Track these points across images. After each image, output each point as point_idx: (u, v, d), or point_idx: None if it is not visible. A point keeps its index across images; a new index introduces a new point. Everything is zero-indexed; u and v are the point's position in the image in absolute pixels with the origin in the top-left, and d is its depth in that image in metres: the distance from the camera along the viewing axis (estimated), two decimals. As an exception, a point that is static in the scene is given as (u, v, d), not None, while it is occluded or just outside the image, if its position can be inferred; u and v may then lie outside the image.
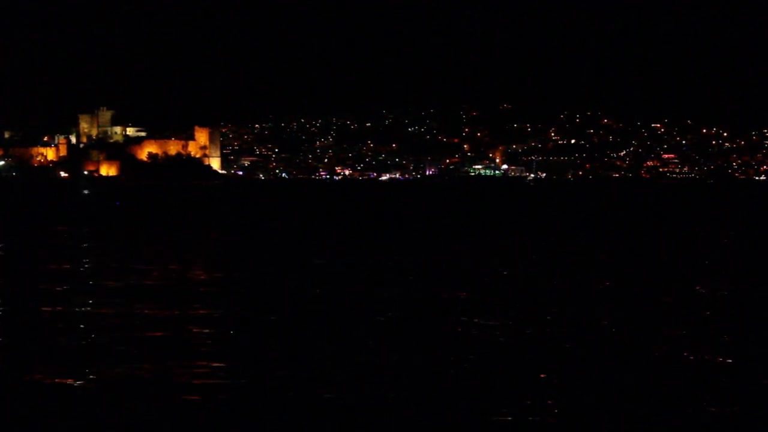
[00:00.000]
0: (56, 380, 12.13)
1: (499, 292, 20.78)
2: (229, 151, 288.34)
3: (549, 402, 11.15)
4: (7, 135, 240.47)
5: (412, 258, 29.45)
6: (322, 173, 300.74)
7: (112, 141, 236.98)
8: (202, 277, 24.00)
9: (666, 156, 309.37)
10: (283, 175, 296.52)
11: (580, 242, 37.51)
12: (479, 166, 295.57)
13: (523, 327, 16.05)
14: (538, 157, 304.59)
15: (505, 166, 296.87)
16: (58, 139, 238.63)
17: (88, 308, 18.18)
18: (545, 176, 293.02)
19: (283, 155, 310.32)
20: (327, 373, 12.55)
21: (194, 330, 15.74)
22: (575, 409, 10.89)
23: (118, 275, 23.82)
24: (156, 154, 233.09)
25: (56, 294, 20.36)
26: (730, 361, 13.43)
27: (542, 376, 12.37)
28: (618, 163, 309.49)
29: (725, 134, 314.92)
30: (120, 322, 16.51)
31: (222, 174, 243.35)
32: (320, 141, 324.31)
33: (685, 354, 13.78)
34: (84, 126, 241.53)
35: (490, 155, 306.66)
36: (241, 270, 26.05)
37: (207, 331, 15.69)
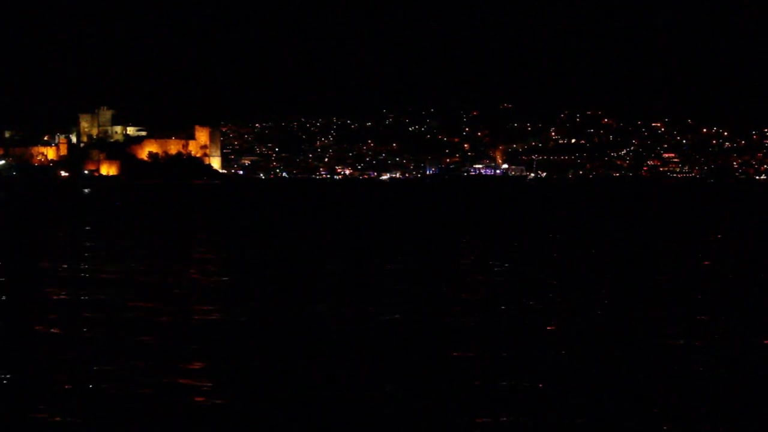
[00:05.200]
0: (52, 386, 12.18)
1: (501, 295, 20.83)
2: (229, 151, 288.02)
3: (553, 407, 11.20)
4: (7, 134, 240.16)
5: (414, 260, 29.48)
6: (323, 171, 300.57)
7: (112, 140, 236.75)
8: (202, 280, 24.03)
9: (666, 155, 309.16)
10: (284, 174, 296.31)
11: (582, 244, 37.54)
12: (479, 166, 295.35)
13: (524, 330, 16.10)
14: (538, 156, 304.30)
15: (505, 166, 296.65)
16: (59, 138, 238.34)
17: (86, 313, 18.23)
18: (546, 175, 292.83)
19: (283, 155, 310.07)
20: (326, 375, 12.60)
21: (194, 334, 15.79)
22: (579, 413, 10.94)
23: (117, 277, 23.87)
24: (156, 154, 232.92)
25: (53, 298, 20.40)
26: (729, 363, 13.49)
27: (545, 382, 12.42)
28: (618, 163, 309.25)
29: (725, 134, 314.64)
30: (118, 325, 16.57)
31: (222, 173, 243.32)
32: (320, 140, 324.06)
33: (684, 355, 13.83)
34: (84, 125, 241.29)
35: (491, 155, 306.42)
36: (240, 273, 26.10)
37: (206, 334, 15.75)
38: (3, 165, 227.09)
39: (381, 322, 16.63)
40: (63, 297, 19.96)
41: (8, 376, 12.50)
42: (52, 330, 15.82)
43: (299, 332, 15.65)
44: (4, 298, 20.28)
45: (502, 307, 18.43)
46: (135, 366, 12.93)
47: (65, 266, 26.38)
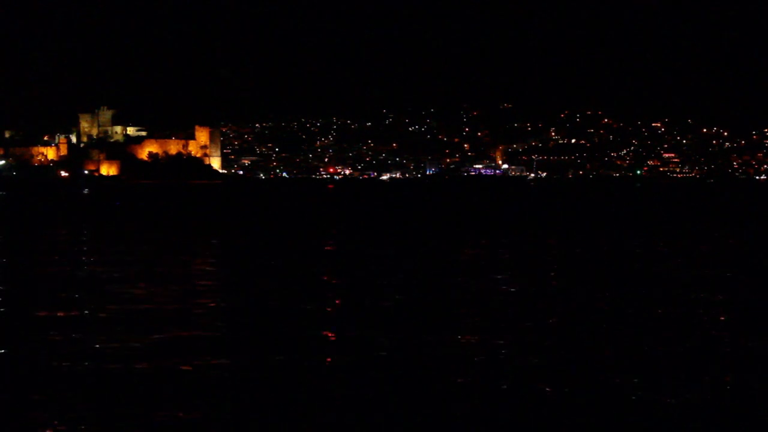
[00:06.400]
0: (52, 389, 12.15)
1: (501, 297, 20.81)
2: (229, 151, 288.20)
3: (553, 412, 11.18)
4: (7, 134, 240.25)
5: (414, 260, 29.45)
6: (323, 170, 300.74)
7: (112, 140, 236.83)
8: (202, 283, 23.99)
9: (666, 155, 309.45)
10: (284, 174, 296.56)
11: (581, 244, 37.51)
12: (479, 166, 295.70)
13: (523, 332, 16.08)
14: (538, 156, 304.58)
15: (505, 166, 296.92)
16: (59, 138, 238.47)
17: (85, 317, 18.18)
18: (546, 175, 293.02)
19: (283, 155, 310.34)
20: (325, 382, 12.57)
21: (194, 335, 15.77)
22: (579, 417, 10.92)
23: (117, 280, 23.83)
24: (156, 154, 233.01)
25: (53, 303, 20.37)
26: (729, 362, 13.47)
27: (547, 389, 12.39)
28: (618, 163, 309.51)
29: (725, 134, 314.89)
30: (112, 331, 16.54)
31: (222, 173, 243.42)
32: (320, 141, 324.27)
33: (685, 356, 13.80)
34: (84, 125, 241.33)
35: (491, 155, 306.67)
36: (240, 275, 26.07)
37: (204, 335, 15.72)
38: (3, 165, 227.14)
39: (380, 324, 16.60)
40: (58, 299, 19.91)
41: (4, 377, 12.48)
42: (50, 332, 15.78)
43: (297, 336, 15.61)
44: None
45: (502, 311, 18.41)
46: (129, 378, 12.90)
47: (61, 268, 26.33)
